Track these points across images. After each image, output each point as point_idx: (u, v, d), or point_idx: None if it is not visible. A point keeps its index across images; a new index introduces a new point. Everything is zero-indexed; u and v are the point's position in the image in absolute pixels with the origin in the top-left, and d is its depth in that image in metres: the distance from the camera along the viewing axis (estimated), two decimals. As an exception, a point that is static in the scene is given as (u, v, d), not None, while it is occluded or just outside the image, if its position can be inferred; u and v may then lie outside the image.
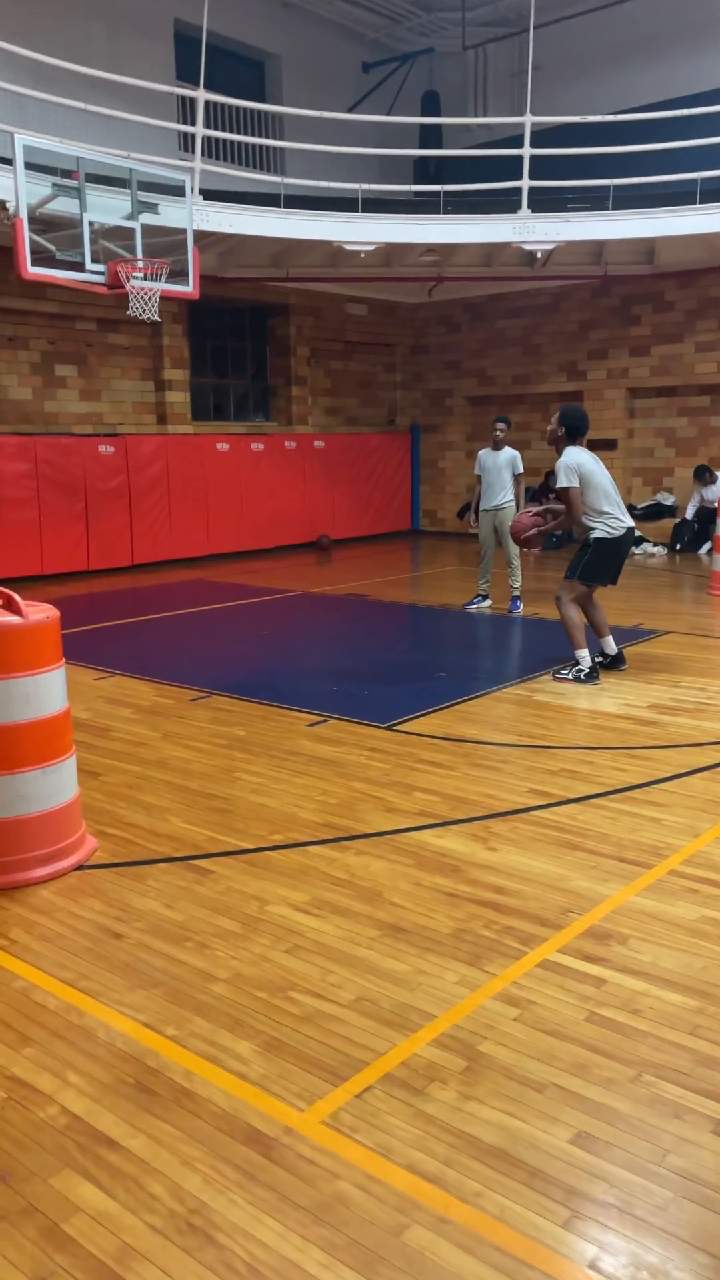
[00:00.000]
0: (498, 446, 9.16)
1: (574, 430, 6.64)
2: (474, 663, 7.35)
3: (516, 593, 9.33)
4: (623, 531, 6.60)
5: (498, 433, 9.17)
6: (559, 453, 6.63)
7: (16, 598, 3.71)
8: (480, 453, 9.34)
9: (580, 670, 6.62)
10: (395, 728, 5.68)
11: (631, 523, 6.72)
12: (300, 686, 6.71)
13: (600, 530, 6.55)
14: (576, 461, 6.49)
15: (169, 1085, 2.55)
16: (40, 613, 3.75)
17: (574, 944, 3.22)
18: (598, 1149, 2.30)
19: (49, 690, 3.76)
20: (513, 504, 9.12)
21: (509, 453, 9.15)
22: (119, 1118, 2.43)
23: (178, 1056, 2.67)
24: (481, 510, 9.30)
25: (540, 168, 11.57)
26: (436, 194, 12.17)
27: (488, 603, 9.50)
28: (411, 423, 16.80)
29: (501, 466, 9.13)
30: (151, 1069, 2.62)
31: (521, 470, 9.18)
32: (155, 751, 5.29)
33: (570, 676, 6.63)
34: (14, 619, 3.65)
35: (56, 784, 3.81)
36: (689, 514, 13.72)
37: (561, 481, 6.49)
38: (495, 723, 5.76)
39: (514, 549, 9.14)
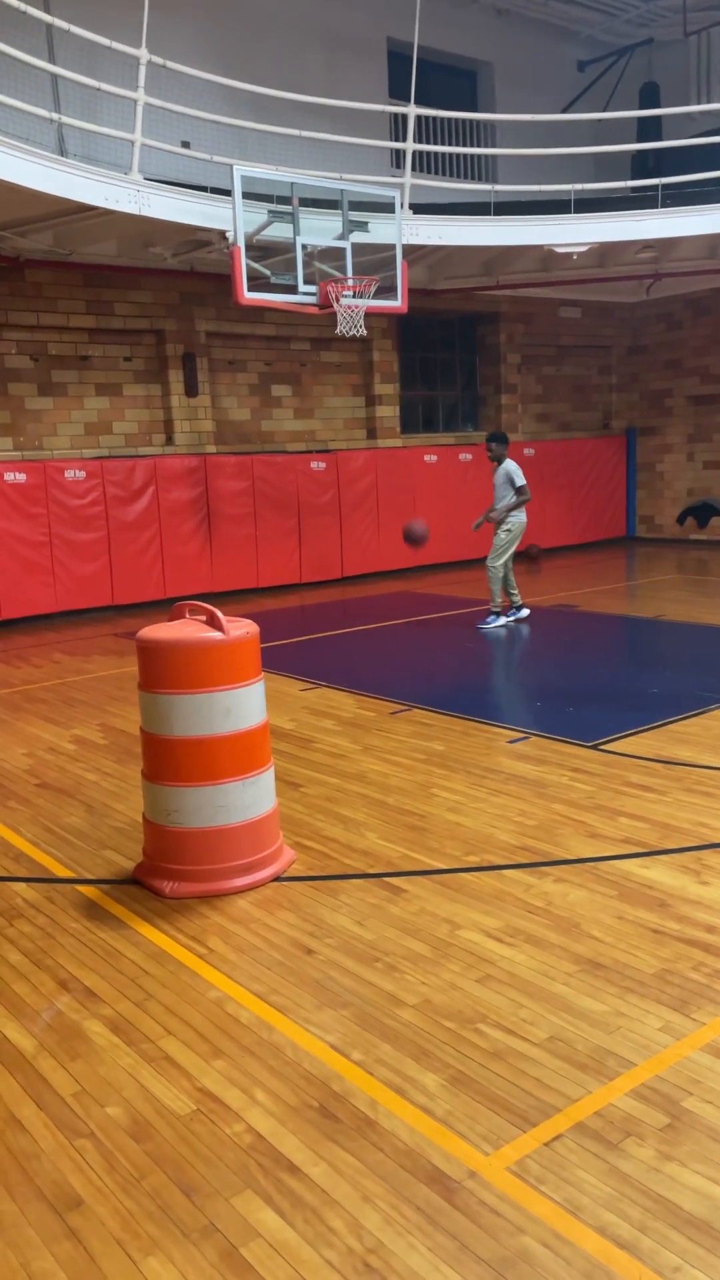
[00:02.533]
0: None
1: None
2: (691, 678, 6.94)
3: (496, 609, 9.15)
4: None
5: (491, 450, 9.22)
6: None
7: (219, 614, 3.81)
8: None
9: None
10: (601, 747, 5.43)
11: None
12: (502, 701, 6.57)
13: None
14: None
15: (353, 1113, 2.51)
16: (240, 629, 3.83)
17: None
18: None
19: (248, 704, 3.83)
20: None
21: (507, 465, 9.08)
22: (302, 1142, 2.41)
23: (363, 1083, 2.62)
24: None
25: (769, 150, 10.85)
26: (654, 188, 11.67)
27: (526, 612, 9.33)
28: (627, 426, 16.21)
29: (501, 481, 9.08)
30: (336, 1094, 2.59)
31: (522, 482, 9.02)
32: (355, 764, 5.32)
33: None
34: (216, 635, 3.75)
35: (255, 795, 3.88)
36: None
37: None
38: (713, 744, 5.39)
39: (497, 560, 9.04)
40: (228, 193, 9.17)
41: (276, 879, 3.91)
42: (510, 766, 5.17)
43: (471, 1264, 2.03)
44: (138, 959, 3.35)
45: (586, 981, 3.06)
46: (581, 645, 8.42)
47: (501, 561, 9.05)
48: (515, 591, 9.30)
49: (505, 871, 3.90)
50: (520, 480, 9.00)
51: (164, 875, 3.85)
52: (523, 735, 5.69)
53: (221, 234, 9.64)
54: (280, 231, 9.31)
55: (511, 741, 5.60)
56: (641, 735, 5.61)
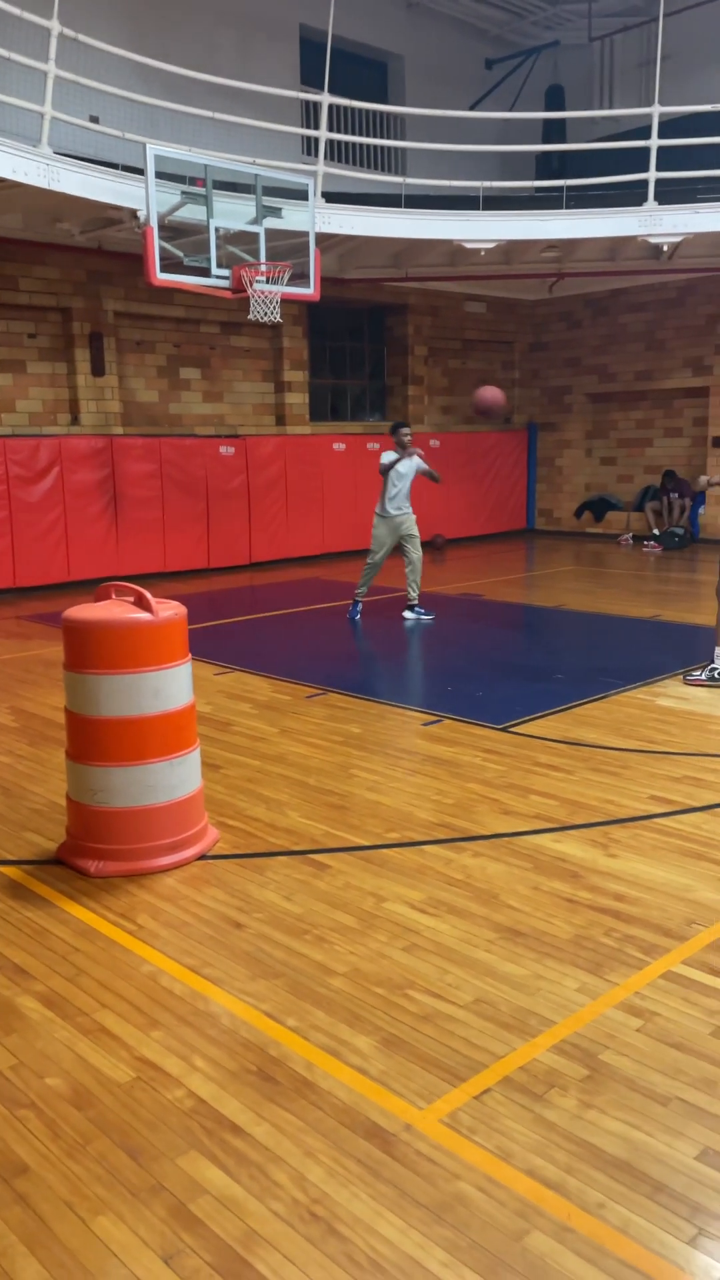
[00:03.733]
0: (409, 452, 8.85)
1: None
2: (593, 664, 7.23)
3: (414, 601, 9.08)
4: None
5: (405, 437, 8.88)
6: None
7: (147, 595, 3.83)
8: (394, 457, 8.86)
9: (715, 670, 6.44)
10: (511, 729, 5.63)
11: None
12: (415, 685, 6.72)
13: None
14: None
15: (291, 1075, 2.60)
16: (169, 610, 3.86)
17: (699, 956, 3.14)
18: (726, 1168, 2.25)
19: (176, 684, 3.87)
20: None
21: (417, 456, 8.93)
22: (243, 1104, 2.49)
23: (299, 1048, 2.72)
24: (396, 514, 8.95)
25: (668, 158, 11.28)
26: (559, 189, 12.00)
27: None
28: (529, 421, 16.62)
29: (411, 471, 8.90)
30: (274, 1058, 2.67)
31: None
32: (274, 746, 5.39)
33: (704, 678, 6.45)
34: (145, 615, 3.77)
35: (182, 775, 3.92)
36: None
37: None
38: (615, 727, 5.65)
39: (418, 551, 9.01)
40: (139, 171, 9.05)
41: (202, 857, 3.96)
42: (425, 748, 5.32)
43: (412, 1209, 2.15)
44: (66, 936, 3.36)
45: (507, 948, 3.22)
46: (488, 633, 8.66)
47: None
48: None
49: (425, 847, 4.04)
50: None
51: (89, 855, 3.86)
52: (436, 718, 5.86)
53: (133, 213, 9.51)
54: (193, 213, 9.24)
55: (426, 724, 5.75)
56: (549, 718, 5.84)
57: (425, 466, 9.05)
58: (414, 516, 9.05)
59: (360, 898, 3.60)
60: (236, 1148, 2.34)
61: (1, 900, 3.65)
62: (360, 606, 9.15)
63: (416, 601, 9.10)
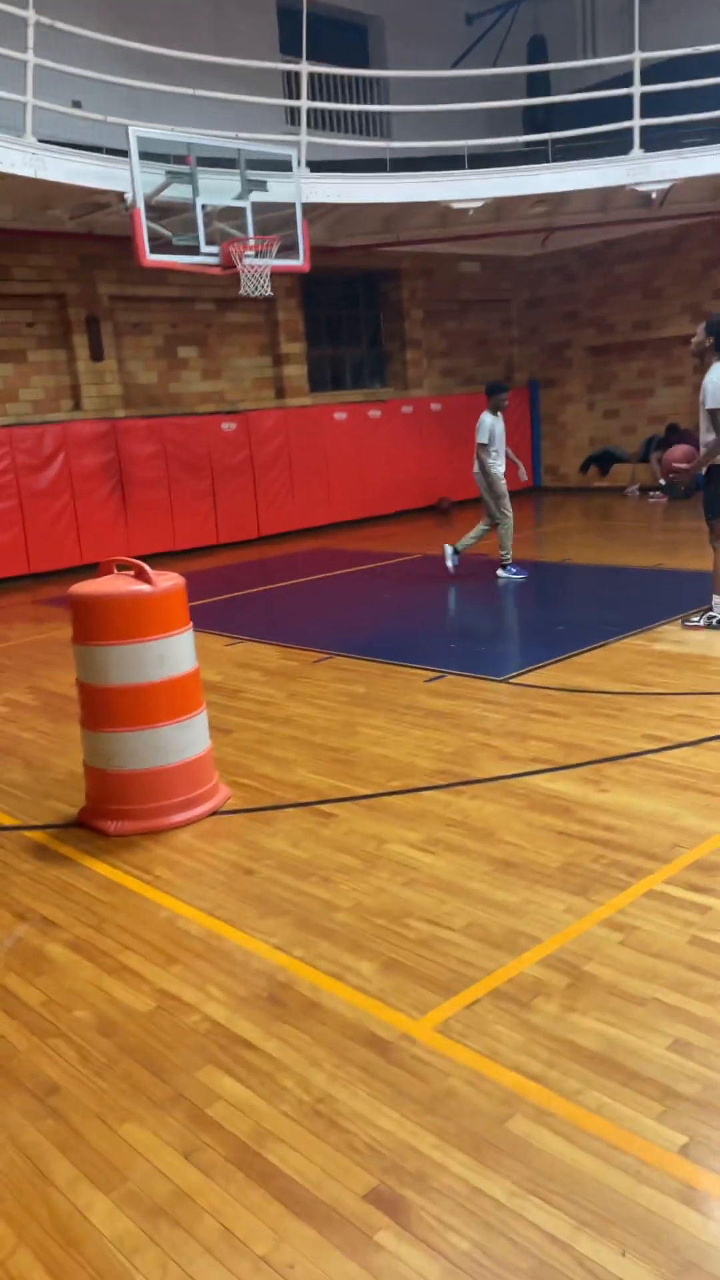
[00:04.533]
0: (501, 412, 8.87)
1: None
2: (594, 615, 7.38)
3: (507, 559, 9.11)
4: None
5: (504, 399, 8.91)
6: (705, 366, 6.37)
7: (147, 568, 4.03)
8: (488, 418, 8.91)
9: (713, 617, 6.57)
10: (511, 680, 5.81)
11: None
12: (419, 645, 6.91)
13: None
14: None
15: (298, 998, 2.83)
16: (168, 581, 4.06)
17: (681, 875, 3.34)
18: (694, 1054, 2.45)
19: (180, 651, 4.08)
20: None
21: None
22: (254, 1024, 2.72)
23: (305, 974, 2.94)
24: (496, 475, 8.94)
25: (653, 105, 11.21)
26: (545, 143, 11.96)
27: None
28: (530, 378, 16.63)
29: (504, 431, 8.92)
30: (282, 984, 2.90)
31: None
32: (282, 710, 5.60)
33: (702, 623, 6.59)
34: (145, 587, 3.97)
35: (190, 737, 4.14)
36: None
37: (711, 402, 6.18)
38: (612, 673, 5.82)
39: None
40: (124, 153, 9.15)
41: (214, 813, 4.19)
42: (427, 703, 5.52)
43: (407, 1103, 2.37)
44: (90, 890, 3.60)
45: (500, 878, 3.43)
46: (493, 590, 8.81)
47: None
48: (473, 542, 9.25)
49: (425, 793, 4.25)
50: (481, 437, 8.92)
51: (107, 816, 4.10)
52: (438, 674, 6.05)
53: (120, 195, 9.62)
54: (179, 192, 9.34)
55: (428, 680, 5.95)
56: (548, 668, 6.01)
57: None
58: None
59: (363, 841, 3.82)
60: (248, 1060, 2.57)
61: (29, 861, 3.89)
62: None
63: (509, 560, 9.10)
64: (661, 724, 4.87)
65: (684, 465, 6.94)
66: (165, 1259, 1.98)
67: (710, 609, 6.66)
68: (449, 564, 9.26)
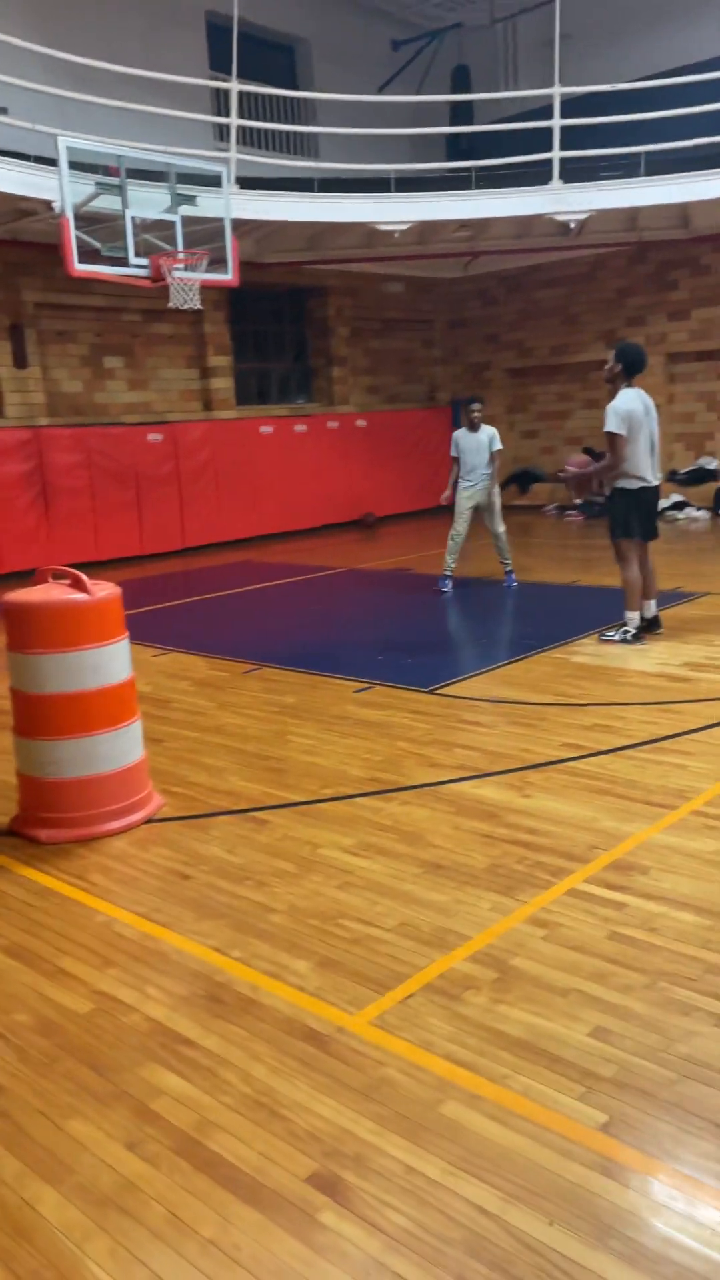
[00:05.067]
0: (474, 428, 9.13)
1: (631, 366, 6.63)
2: (515, 630, 7.62)
3: (509, 566, 9.40)
4: (638, 487, 6.72)
5: (475, 414, 9.18)
6: (613, 394, 6.67)
7: (83, 577, 4.07)
8: (456, 434, 9.23)
9: (626, 631, 6.85)
10: (437, 691, 5.98)
11: (650, 482, 6.77)
12: (347, 657, 7.03)
13: (622, 481, 6.71)
14: (626, 410, 6.52)
15: (236, 996, 2.91)
16: (104, 590, 4.11)
17: (599, 875, 3.52)
18: (613, 1040, 2.61)
19: (115, 660, 4.13)
20: (491, 478, 9.19)
21: (487, 431, 9.16)
22: (194, 1022, 2.80)
23: (243, 973, 3.02)
24: (461, 489, 9.19)
25: (572, 137, 11.64)
26: (468, 170, 12.30)
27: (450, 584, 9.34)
28: (452, 398, 16.97)
29: (481, 445, 9.14)
30: (220, 983, 2.98)
31: (500, 446, 9.15)
32: (213, 719, 5.66)
33: (616, 638, 6.86)
34: (82, 596, 4.02)
35: (125, 745, 4.18)
36: None
37: (609, 426, 6.52)
38: (533, 684, 6.03)
39: (501, 528, 9.28)
40: (51, 162, 9.14)
41: (148, 821, 4.24)
42: (357, 713, 5.64)
43: (344, 1092, 2.48)
44: (23, 896, 3.62)
45: (430, 880, 3.56)
46: (418, 603, 9.00)
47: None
48: (454, 560, 9.36)
49: (357, 799, 4.36)
50: (498, 445, 9.09)
51: (41, 824, 4.11)
52: (367, 685, 6.18)
53: (47, 204, 9.59)
54: (108, 203, 9.35)
55: (357, 691, 6.07)
56: (473, 679, 6.20)
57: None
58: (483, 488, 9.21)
59: (297, 846, 3.92)
60: (189, 1056, 2.65)
61: (-40, 870, 3.88)
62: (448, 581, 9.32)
63: (510, 567, 9.37)
64: (580, 733, 5.08)
65: (573, 470, 7.25)
66: (115, 1245, 2.05)
67: (624, 624, 6.94)
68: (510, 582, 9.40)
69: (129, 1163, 2.28)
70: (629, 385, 6.68)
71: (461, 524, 9.29)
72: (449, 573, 9.33)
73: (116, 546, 12.25)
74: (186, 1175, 2.23)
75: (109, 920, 3.41)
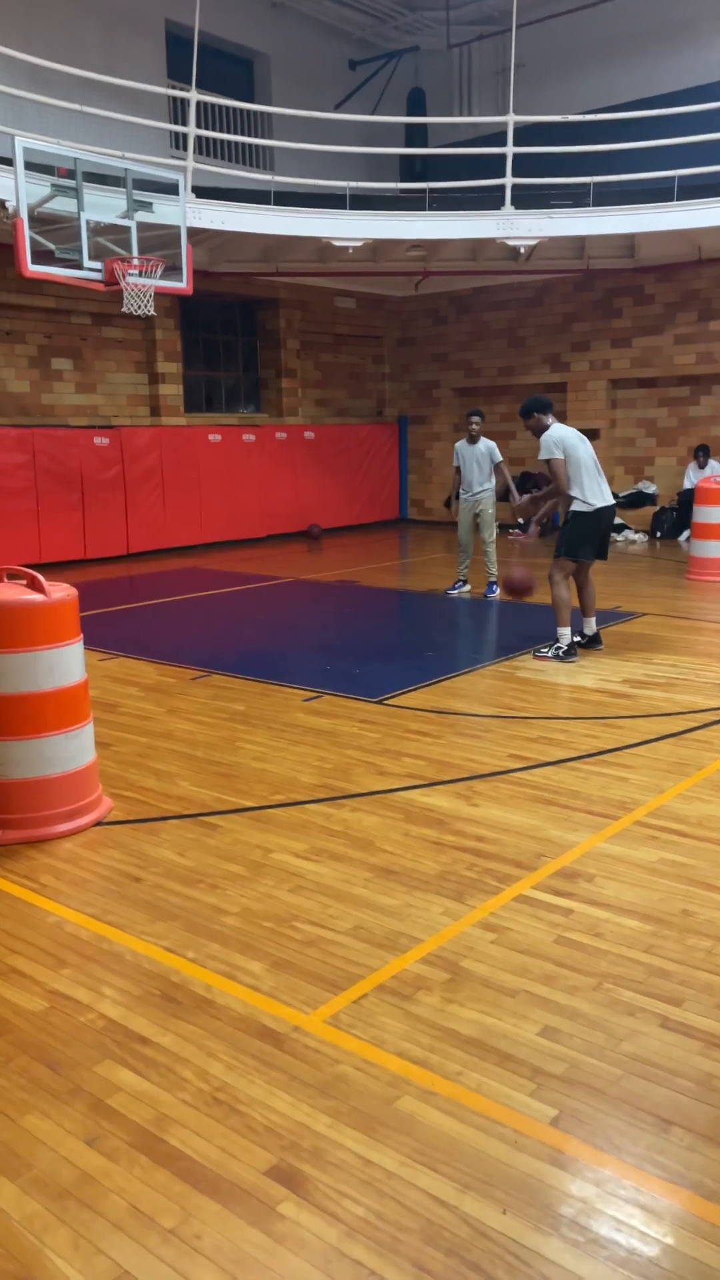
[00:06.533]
0: (474, 440, 9.56)
1: (544, 408, 7.08)
2: (459, 643, 7.74)
3: (493, 578, 9.71)
4: (593, 509, 6.95)
5: (473, 427, 9.59)
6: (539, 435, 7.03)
7: (40, 578, 4.07)
8: (458, 445, 9.77)
9: (559, 648, 7.01)
10: (385, 702, 6.06)
11: (607, 501, 7.06)
12: (295, 665, 7.08)
13: (578, 504, 6.95)
14: (559, 436, 6.93)
15: (191, 996, 2.93)
16: (61, 592, 4.11)
17: (546, 881, 3.62)
18: (560, 1039, 2.70)
19: (69, 662, 4.12)
20: (492, 490, 9.61)
21: (486, 443, 9.57)
22: (150, 1021, 2.81)
23: (198, 974, 3.05)
24: (462, 499, 9.71)
25: (523, 165, 11.92)
26: (422, 191, 12.51)
27: (467, 587, 9.90)
28: (399, 414, 17.15)
29: (481, 457, 9.52)
30: (175, 984, 3.00)
31: (500, 459, 9.57)
32: (161, 725, 5.66)
33: (550, 654, 7.02)
34: (38, 597, 4.01)
35: (77, 748, 4.18)
36: (686, 484, 13.90)
37: (544, 454, 6.91)
38: (479, 696, 6.15)
39: (491, 536, 9.66)
40: (7, 161, 9.07)
41: (98, 824, 4.23)
42: (307, 721, 5.69)
43: (300, 1088, 2.52)
44: (-27, 897, 3.59)
45: (381, 884, 3.63)
46: (364, 615, 9.09)
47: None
48: (465, 567, 9.87)
49: (308, 806, 4.41)
50: (499, 457, 9.52)
51: (-11, 825, 4.08)
52: (316, 694, 6.23)
53: (1, 203, 9.51)
54: (64, 205, 9.30)
55: (306, 700, 6.12)
56: (420, 691, 6.29)
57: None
58: (485, 498, 9.62)
59: (249, 850, 3.95)
60: (146, 1054, 2.67)
61: None
62: (463, 584, 9.85)
63: (494, 579, 9.66)
64: (525, 745, 5.20)
65: (524, 500, 7.70)
66: (76, 1237, 2.07)
67: (557, 641, 7.08)
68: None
69: (88, 1157, 2.29)
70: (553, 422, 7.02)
71: (464, 533, 9.78)
72: (460, 579, 9.88)
73: (59, 549, 12.12)
74: (146, 1169, 2.25)
75: (60, 921, 3.40)
